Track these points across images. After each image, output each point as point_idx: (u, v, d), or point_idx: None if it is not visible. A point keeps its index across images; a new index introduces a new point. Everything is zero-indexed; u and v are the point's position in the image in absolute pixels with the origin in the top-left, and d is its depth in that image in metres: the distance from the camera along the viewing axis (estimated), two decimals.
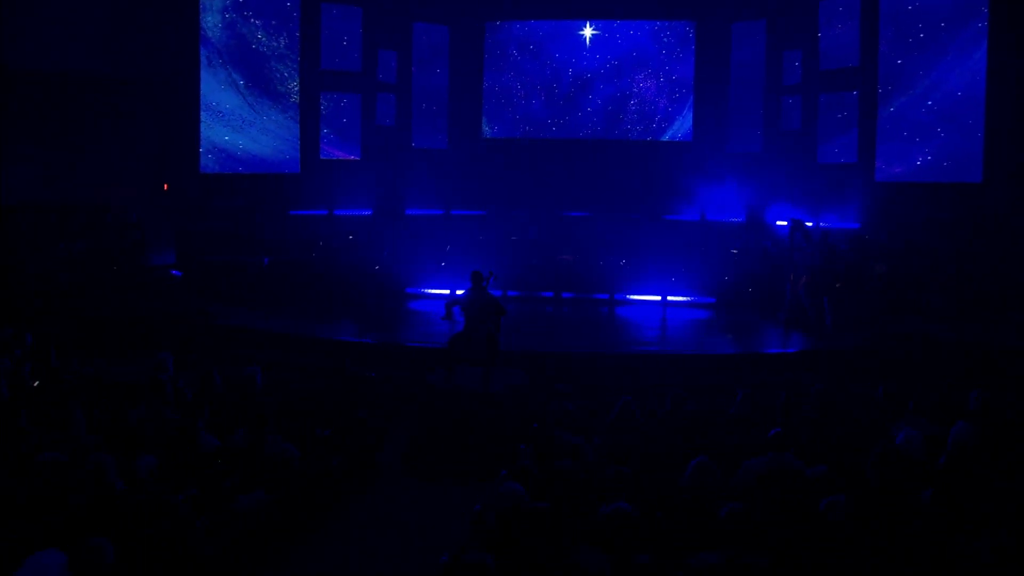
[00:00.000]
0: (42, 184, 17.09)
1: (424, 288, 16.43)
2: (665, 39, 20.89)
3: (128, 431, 6.35)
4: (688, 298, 15.94)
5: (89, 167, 17.59)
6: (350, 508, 7.66)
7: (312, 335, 12.22)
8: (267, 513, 6.00)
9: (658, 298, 16.06)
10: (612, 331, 13.87)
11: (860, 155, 17.70)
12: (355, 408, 8.23)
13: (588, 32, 21.08)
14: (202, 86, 18.68)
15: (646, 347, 12.61)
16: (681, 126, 21.00)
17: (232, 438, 6.65)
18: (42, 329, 12.85)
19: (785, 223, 15.33)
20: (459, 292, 10.34)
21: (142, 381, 8.86)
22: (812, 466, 6.15)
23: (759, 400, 9.04)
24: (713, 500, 4.81)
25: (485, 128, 21.75)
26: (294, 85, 19.79)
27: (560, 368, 10.96)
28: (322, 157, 20.23)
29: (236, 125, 19.20)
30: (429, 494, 8.11)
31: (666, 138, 21.10)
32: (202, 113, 18.76)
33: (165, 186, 19.19)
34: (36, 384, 8.65)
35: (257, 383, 8.17)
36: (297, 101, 19.83)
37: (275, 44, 19.54)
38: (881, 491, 4.87)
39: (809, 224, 16.52)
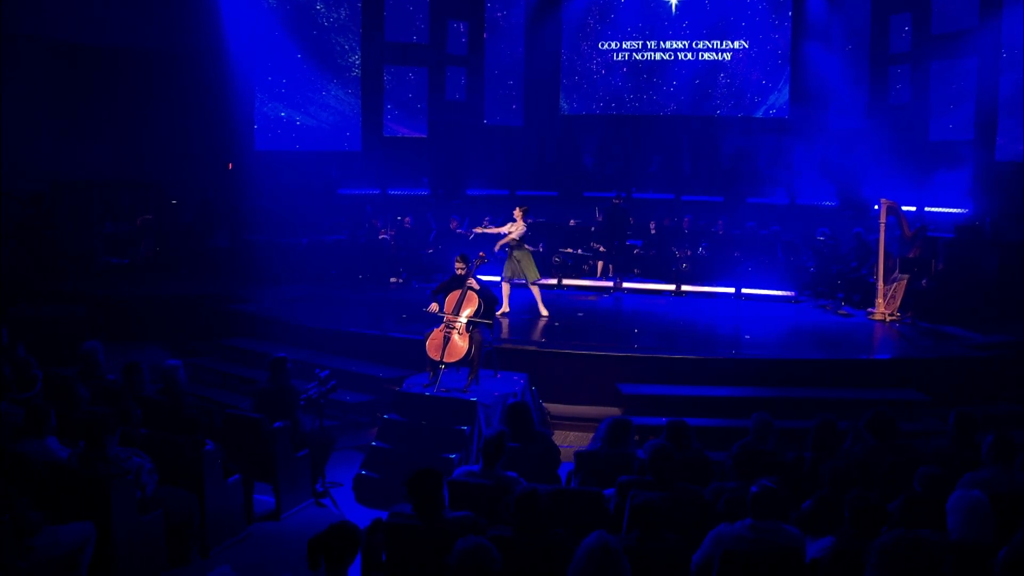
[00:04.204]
0: (93, 161, 16.69)
1: (479, 274, 15.01)
2: (759, 5, 18.82)
3: None
4: (764, 291, 14.05)
5: (142, 144, 17.09)
6: (244, 547, 6.34)
7: (317, 325, 11.06)
8: (91, 551, 4.81)
9: (731, 290, 14.22)
10: (664, 329, 12.08)
11: (978, 130, 15.30)
12: (289, 414, 6.94)
13: None
14: (258, 60, 17.88)
15: (680, 351, 10.66)
16: (776, 101, 18.94)
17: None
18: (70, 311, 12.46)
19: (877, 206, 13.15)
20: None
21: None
22: (818, 535, 4.47)
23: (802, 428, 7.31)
24: None
25: (563, 104, 20.23)
26: (355, 58, 18.79)
27: (573, 368, 9.45)
28: (385, 134, 19.18)
29: (294, 101, 18.35)
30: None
31: (759, 114, 19.09)
32: (258, 89, 17.99)
33: (230, 165, 18.58)
34: None
35: (180, 379, 7.02)
36: (359, 75, 18.81)
37: (336, 15, 18.56)
38: None
39: (911, 208, 14.48)
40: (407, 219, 16.10)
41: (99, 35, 16.43)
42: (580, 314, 12.74)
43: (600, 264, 15.63)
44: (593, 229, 16.00)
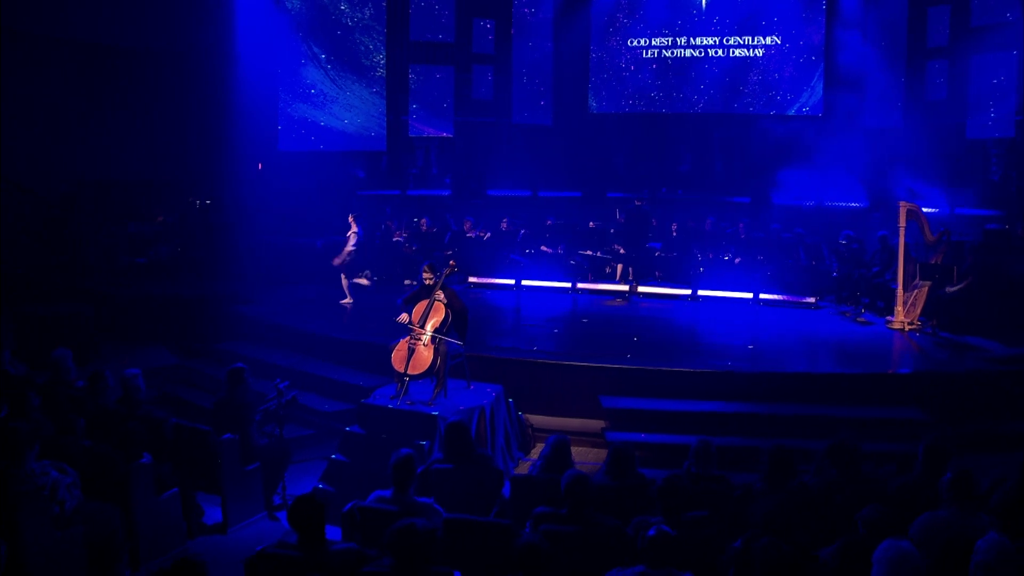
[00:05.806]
0: (118, 162, 16.90)
1: (492, 278, 14.84)
2: None
3: None
4: (784, 296, 13.57)
5: (167, 145, 17.28)
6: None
7: (309, 330, 10.97)
8: (1, 567, 4.73)
9: (750, 295, 13.75)
10: (666, 337, 11.66)
11: (1018, 128, 14.58)
12: (242, 426, 6.82)
13: None
14: (282, 61, 17.93)
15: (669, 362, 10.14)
16: (809, 98, 18.33)
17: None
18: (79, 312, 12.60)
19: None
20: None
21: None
22: None
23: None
24: None
25: (591, 102, 19.88)
26: (380, 58, 18.73)
27: (555, 379, 9.17)
28: (411, 134, 19.10)
29: (317, 101, 18.39)
30: None
31: (792, 112, 18.50)
32: (282, 89, 18.04)
33: (259, 165, 18.69)
34: None
35: (139, 387, 6.95)
36: (383, 75, 18.74)
37: (360, 15, 18.52)
38: None
39: (934, 210, 13.88)
40: (423, 220, 15.96)
41: (124, 37, 16.66)
42: (584, 320, 12.45)
43: (620, 267, 15.30)
44: (613, 231, 15.68)
